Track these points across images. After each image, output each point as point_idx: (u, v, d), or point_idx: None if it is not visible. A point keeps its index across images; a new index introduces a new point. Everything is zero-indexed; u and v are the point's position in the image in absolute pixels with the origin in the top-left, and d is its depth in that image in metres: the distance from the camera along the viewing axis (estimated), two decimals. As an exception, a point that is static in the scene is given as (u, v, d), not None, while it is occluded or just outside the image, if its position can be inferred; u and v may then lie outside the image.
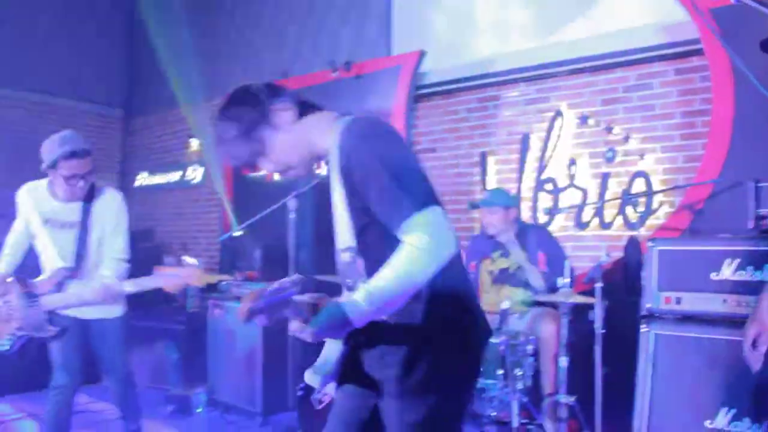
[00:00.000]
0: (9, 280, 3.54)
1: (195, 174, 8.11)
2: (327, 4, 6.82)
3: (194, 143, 8.13)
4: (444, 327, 1.89)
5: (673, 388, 3.30)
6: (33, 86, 8.34)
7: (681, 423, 3.26)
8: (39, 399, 5.25)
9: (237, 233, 5.64)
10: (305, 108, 2.01)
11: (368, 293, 1.71)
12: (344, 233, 1.95)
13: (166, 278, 3.29)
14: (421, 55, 5.76)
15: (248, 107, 1.95)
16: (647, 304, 3.44)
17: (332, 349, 2.03)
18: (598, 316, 3.61)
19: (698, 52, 4.40)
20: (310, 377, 2.01)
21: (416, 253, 1.71)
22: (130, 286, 3.40)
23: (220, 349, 5.28)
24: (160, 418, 5.09)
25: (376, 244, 1.85)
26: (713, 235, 3.53)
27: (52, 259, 3.63)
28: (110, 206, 3.70)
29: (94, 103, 9.07)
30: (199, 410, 5.24)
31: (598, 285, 3.59)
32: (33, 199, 3.61)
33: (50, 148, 3.47)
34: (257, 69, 7.37)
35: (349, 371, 2.03)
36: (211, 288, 5.85)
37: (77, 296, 3.48)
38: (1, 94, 8.11)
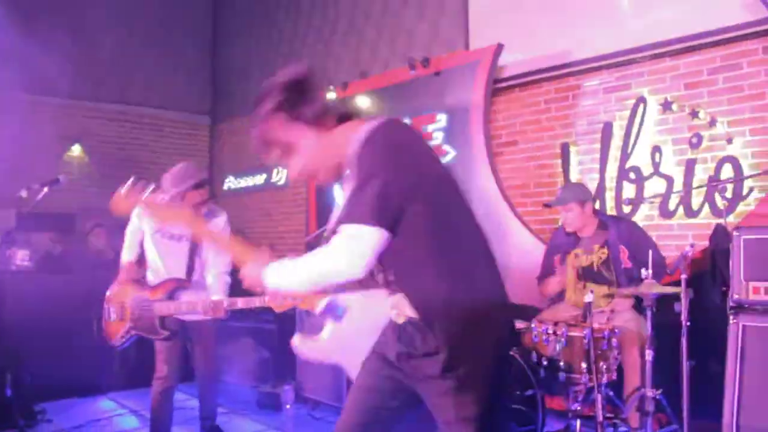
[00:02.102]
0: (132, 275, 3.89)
1: (280, 176, 8.31)
2: (402, 1, 6.85)
3: (278, 146, 8.27)
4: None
5: (763, 381, 3.14)
6: (129, 99, 8.78)
7: (773, 417, 3.12)
8: (140, 396, 5.54)
9: (325, 235, 5.74)
10: (335, 117, 2.02)
11: (273, 266, 1.93)
12: None
13: (274, 299, 3.45)
14: (499, 48, 5.67)
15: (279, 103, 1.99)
16: (735, 295, 3.29)
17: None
18: (683, 307, 3.48)
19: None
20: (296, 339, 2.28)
21: (320, 256, 1.85)
22: (242, 303, 3.60)
23: (307, 346, 5.38)
24: (250, 414, 5.27)
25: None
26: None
27: (162, 268, 3.90)
28: (218, 225, 3.96)
29: (182, 111, 9.47)
30: (287, 406, 5.38)
31: (683, 276, 3.47)
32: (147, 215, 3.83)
33: (175, 181, 3.70)
34: (336, 70, 7.47)
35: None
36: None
37: (189, 305, 3.73)
38: (104, 108, 8.57)
